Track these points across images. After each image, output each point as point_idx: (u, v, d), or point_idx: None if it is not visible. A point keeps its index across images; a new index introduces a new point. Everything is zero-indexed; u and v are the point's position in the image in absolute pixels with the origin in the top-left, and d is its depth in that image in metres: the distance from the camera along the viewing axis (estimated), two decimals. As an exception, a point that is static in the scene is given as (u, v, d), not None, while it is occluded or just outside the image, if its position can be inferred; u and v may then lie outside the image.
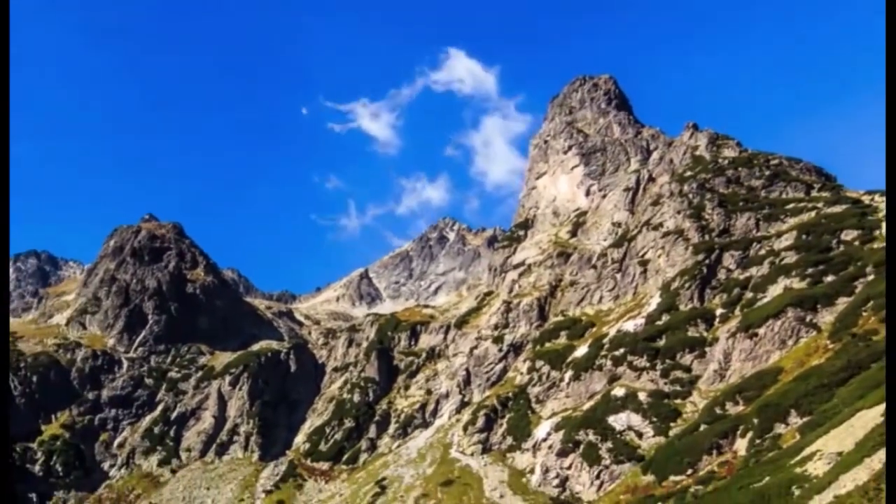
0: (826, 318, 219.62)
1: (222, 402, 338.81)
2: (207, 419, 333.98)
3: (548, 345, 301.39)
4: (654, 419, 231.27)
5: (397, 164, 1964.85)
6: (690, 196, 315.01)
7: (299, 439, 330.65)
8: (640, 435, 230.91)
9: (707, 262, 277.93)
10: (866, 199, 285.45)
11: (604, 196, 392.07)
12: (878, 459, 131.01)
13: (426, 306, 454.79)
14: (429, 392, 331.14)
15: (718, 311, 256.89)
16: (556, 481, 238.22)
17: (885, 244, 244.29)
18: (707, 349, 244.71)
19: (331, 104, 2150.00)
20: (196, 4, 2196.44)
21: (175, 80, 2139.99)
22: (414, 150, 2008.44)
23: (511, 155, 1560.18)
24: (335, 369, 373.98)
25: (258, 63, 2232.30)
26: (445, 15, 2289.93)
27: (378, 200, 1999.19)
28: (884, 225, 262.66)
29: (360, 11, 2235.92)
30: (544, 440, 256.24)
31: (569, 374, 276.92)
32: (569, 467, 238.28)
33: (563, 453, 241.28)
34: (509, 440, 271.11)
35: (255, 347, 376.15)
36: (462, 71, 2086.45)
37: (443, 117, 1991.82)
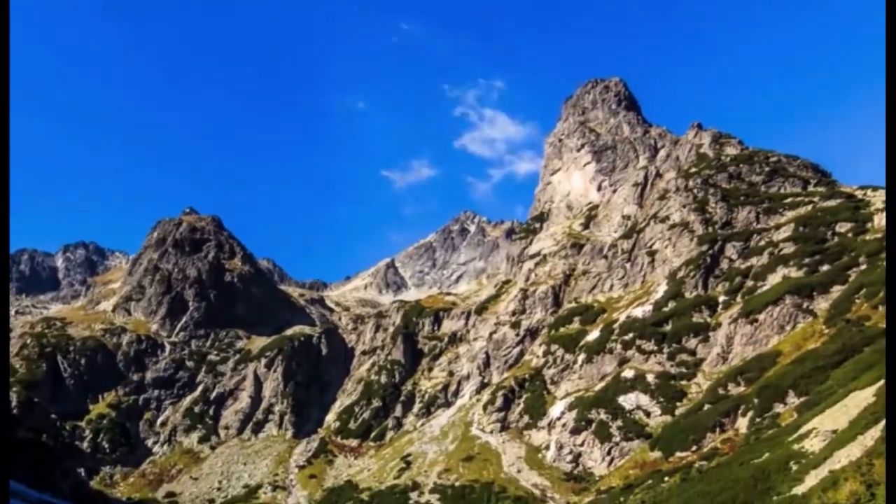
0: (821, 304, 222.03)
1: (258, 383, 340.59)
2: (244, 399, 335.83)
3: (562, 330, 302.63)
4: (661, 399, 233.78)
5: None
6: (695, 191, 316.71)
7: (330, 418, 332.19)
8: (647, 414, 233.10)
9: (710, 252, 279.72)
10: (859, 193, 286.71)
11: (614, 191, 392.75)
12: (870, 437, 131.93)
13: (448, 294, 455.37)
14: (451, 374, 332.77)
15: (721, 299, 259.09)
16: (569, 457, 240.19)
17: (877, 235, 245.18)
18: (710, 334, 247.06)
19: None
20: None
21: (215, 82, 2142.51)
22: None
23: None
24: (363, 352, 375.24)
25: (289, 62, 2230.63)
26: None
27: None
28: (875, 218, 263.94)
29: (392, 12, 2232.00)
30: (558, 419, 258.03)
31: (581, 357, 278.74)
32: (581, 444, 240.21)
33: (576, 431, 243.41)
34: (526, 419, 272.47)
35: (289, 332, 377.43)
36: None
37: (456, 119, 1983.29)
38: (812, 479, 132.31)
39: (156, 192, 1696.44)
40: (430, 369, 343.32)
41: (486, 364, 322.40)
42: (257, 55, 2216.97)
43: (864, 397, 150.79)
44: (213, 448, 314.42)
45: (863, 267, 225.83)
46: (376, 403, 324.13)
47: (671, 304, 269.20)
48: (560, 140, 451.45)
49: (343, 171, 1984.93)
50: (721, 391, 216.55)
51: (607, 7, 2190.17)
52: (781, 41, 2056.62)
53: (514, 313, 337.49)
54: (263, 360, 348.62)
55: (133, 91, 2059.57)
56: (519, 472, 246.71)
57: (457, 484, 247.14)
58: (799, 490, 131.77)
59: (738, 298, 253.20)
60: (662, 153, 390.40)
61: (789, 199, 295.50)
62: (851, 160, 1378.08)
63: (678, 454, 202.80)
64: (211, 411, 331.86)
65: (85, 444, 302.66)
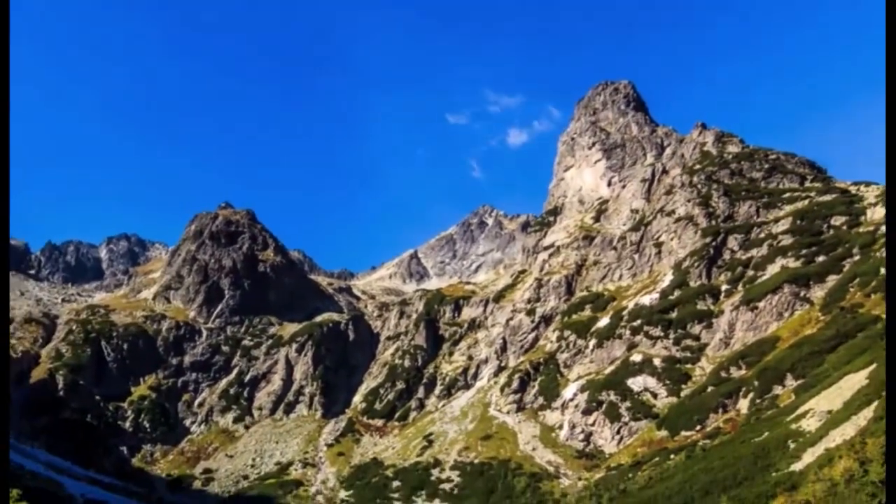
0: (818, 293, 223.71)
1: (289, 367, 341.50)
2: (276, 381, 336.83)
3: (574, 316, 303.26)
4: (668, 381, 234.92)
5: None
6: (699, 186, 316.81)
7: (357, 399, 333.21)
8: (654, 395, 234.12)
9: (713, 244, 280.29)
10: (853, 189, 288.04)
11: (623, 186, 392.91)
12: (863, 417, 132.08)
13: (468, 283, 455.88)
14: (470, 358, 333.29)
15: (723, 287, 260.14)
16: (581, 436, 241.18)
17: (870, 228, 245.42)
18: (714, 320, 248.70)
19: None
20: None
21: (249, 84, 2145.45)
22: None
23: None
24: (388, 338, 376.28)
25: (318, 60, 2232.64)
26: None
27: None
28: (868, 211, 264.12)
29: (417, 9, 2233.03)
30: (571, 400, 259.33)
31: (593, 342, 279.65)
32: (593, 424, 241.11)
33: (587, 411, 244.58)
34: (540, 400, 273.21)
35: (318, 319, 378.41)
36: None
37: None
38: (809, 457, 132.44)
39: (194, 187, 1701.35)
40: (451, 354, 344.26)
41: (503, 349, 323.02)
42: (287, 56, 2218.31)
43: (857, 380, 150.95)
44: (247, 427, 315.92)
45: (856, 258, 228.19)
46: (400, 386, 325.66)
47: (677, 293, 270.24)
48: (572, 139, 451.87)
49: (370, 165, 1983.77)
50: (723, 374, 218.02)
51: (619, 13, 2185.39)
52: (781, 44, 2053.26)
53: (529, 301, 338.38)
54: (294, 345, 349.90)
55: (174, 91, 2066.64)
56: (534, 450, 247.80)
57: (476, 461, 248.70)
58: (797, 467, 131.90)
59: (740, 287, 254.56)
60: (668, 151, 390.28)
61: (787, 194, 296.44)
62: (846, 157, 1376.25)
63: (683, 433, 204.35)
64: (245, 393, 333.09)
65: (127, 424, 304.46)
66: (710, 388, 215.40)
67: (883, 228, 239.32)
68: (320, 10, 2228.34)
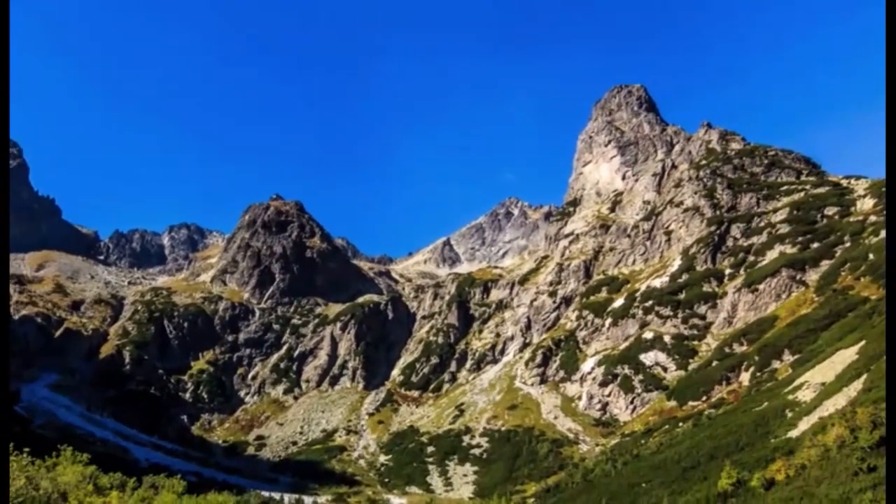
0: (812, 276, 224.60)
1: (334, 343, 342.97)
2: (322, 356, 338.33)
3: (592, 298, 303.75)
4: (676, 356, 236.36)
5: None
6: (705, 180, 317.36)
7: (395, 373, 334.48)
8: (665, 369, 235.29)
9: (718, 232, 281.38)
10: (844, 182, 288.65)
11: (636, 180, 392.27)
12: (853, 389, 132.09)
13: (495, 267, 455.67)
14: (498, 335, 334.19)
15: (727, 271, 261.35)
16: (598, 406, 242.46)
17: (860, 217, 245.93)
18: (718, 301, 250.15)
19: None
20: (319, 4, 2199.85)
21: (300, 86, 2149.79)
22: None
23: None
24: (423, 317, 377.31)
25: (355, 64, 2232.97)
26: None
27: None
28: (858, 203, 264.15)
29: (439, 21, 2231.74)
30: (589, 373, 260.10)
31: (608, 320, 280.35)
32: (609, 395, 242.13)
33: (604, 384, 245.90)
34: (561, 373, 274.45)
35: (360, 300, 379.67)
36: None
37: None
38: (804, 425, 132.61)
39: (248, 179, 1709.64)
40: (480, 331, 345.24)
41: (528, 327, 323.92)
42: (327, 57, 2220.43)
43: (848, 355, 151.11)
44: (296, 398, 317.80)
45: (847, 244, 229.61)
46: (434, 360, 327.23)
47: (684, 276, 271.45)
48: (590, 137, 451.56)
49: (409, 162, 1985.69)
50: (727, 350, 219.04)
51: (633, 23, 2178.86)
52: (780, 48, 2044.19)
53: (551, 284, 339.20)
54: (339, 324, 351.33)
55: (232, 95, 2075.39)
56: (555, 418, 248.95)
57: (503, 429, 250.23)
58: (793, 434, 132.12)
59: (742, 271, 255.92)
60: (677, 148, 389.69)
61: (785, 187, 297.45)
62: (838, 153, 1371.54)
63: (691, 403, 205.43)
64: (294, 367, 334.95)
65: (187, 395, 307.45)
66: (714, 363, 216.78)
67: (872, 218, 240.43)
68: (361, 25, 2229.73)
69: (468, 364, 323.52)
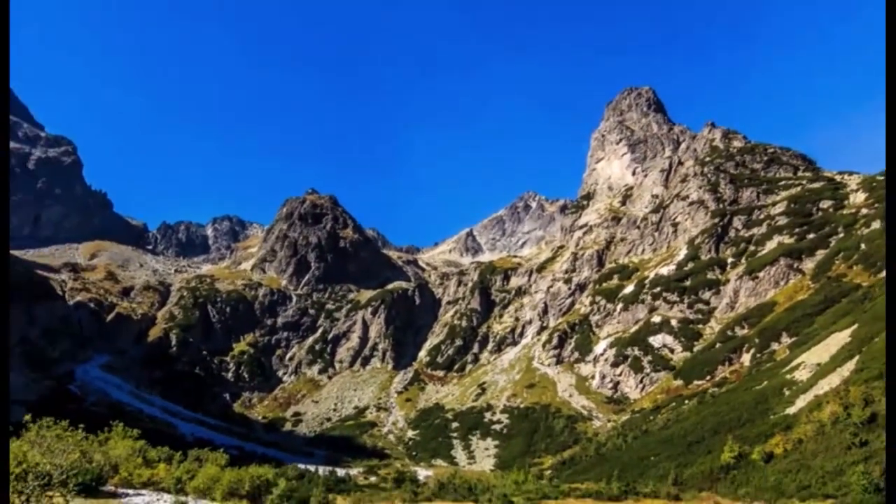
0: (808, 265, 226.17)
1: (365, 327, 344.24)
2: (354, 339, 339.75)
3: (604, 284, 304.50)
4: (683, 339, 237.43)
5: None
6: (709, 175, 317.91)
7: (422, 354, 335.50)
8: (672, 350, 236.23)
9: (721, 223, 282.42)
10: (838, 177, 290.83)
11: (645, 175, 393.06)
12: (847, 369, 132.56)
13: (515, 256, 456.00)
14: (517, 319, 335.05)
15: (729, 260, 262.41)
16: (610, 385, 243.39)
17: (852, 210, 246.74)
18: (721, 288, 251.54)
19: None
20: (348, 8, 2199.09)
21: (332, 85, 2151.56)
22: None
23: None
24: (448, 302, 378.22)
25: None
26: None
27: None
28: (851, 196, 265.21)
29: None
30: (602, 354, 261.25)
31: (620, 306, 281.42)
32: (620, 374, 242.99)
33: (615, 364, 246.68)
34: (576, 354, 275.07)
35: (390, 287, 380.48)
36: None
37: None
38: (801, 402, 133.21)
39: (286, 174, 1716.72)
40: (501, 316, 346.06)
41: (545, 311, 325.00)
42: (361, 62, 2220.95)
43: (842, 338, 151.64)
44: (330, 377, 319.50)
45: (841, 235, 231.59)
46: (458, 343, 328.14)
47: (690, 265, 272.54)
48: (603, 136, 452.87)
49: (435, 156, 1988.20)
50: (729, 333, 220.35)
51: (642, 31, 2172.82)
52: (779, 52, 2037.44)
53: (566, 272, 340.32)
54: (370, 309, 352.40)
55: (271, 97, 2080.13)
56: (570, 396, 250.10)
57: (521, 406, 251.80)
58: (791, 411, 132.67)
59: (743, 260, 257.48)
60: (683, 146, 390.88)
61: (783, 182, 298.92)
62: (833, 149, 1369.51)
63: (696, 382, 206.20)
64: (328, 349, 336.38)
65: (229, 375, 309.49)
66: (718, 345, 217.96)
67: (864, 210, 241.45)
68: (391, 32, 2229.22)
69: (489, 346, 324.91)
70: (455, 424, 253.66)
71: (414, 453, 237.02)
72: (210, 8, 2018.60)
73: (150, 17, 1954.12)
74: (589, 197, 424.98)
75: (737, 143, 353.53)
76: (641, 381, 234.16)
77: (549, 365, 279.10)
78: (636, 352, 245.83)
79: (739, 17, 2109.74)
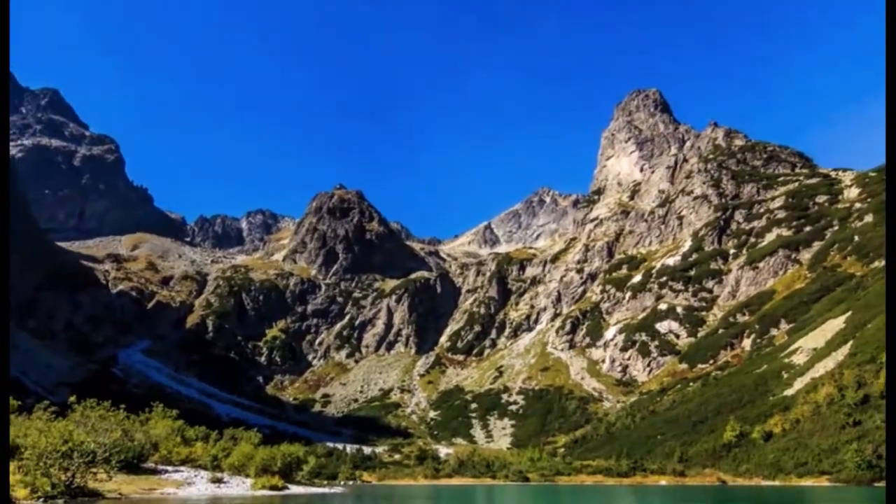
0: (805, 255, 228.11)
1: (390, 314, 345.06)
2: (380, 325, 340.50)
3: (614, 274, 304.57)
4: (687, 325, 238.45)
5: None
6: (712, 172, 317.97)
7: (443, 339, 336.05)
8: (677, 336, 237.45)
9: (723, 217, 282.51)
10: (833, 174, 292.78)
11: (652, 172, 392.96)
12: (841, 353, 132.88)
13: (530, 248, 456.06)
14: (532, 307, 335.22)
15: (731, 251, 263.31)
16: (619, 368, 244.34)
17: (846, 205, 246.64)
18: (723, 277, 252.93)
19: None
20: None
21: (357, 85, 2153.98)
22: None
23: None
24: (468, 291, 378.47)
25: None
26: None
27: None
28: (845, 192, 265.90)
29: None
30: (611, 340, 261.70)
31: (628, 294, 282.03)
32: (628, 358, 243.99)
33: (624, 349, 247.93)
34: (587, 340, 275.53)
35: (413, 276, 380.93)
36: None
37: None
38: (798, 384, 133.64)
39: (314, 171, 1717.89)
40: (517, 303, 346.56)
41: (558, 299, 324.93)
42: (387, 63, 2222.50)
43: (836, 324, 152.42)
44: (356, 361, 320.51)
45: (835, 228, 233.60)
46: (477, 328, 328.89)
47: (694, 255, 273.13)
48: (612, 134, 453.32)
49: (453, 152, 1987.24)
50: (731, 319, 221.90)
51: (650, 36, 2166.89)
52: (778, 57, 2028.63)
53: (578, 262, 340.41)
54: (394, 297, 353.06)
55: (297, 95, 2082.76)
56: (582, 379, 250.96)
57: (536, 388, 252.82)
58: (789, 392, 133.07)
59: (744, 251, 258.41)
60: (688, 144, 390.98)
61: (781, 178, 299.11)
62: (828, 147, 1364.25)
63: (699, 366, 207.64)
64: (355, 334, 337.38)
65: (262, 359, 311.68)
66: (720, 331, 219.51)
67: (857, 205, 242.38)
68: (413, 32, 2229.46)
69: (506, 332, 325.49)
70: (474, 405, 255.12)
71: (435, 432, 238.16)
72: (244, 11, 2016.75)
73: (190, 22, 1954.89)
74: (599, 192, 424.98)
75: (738, 142, 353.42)
76: (649, 365, 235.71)
77: (562, 349, 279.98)
78: (644, 337, 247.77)
79: (740, 19, 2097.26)
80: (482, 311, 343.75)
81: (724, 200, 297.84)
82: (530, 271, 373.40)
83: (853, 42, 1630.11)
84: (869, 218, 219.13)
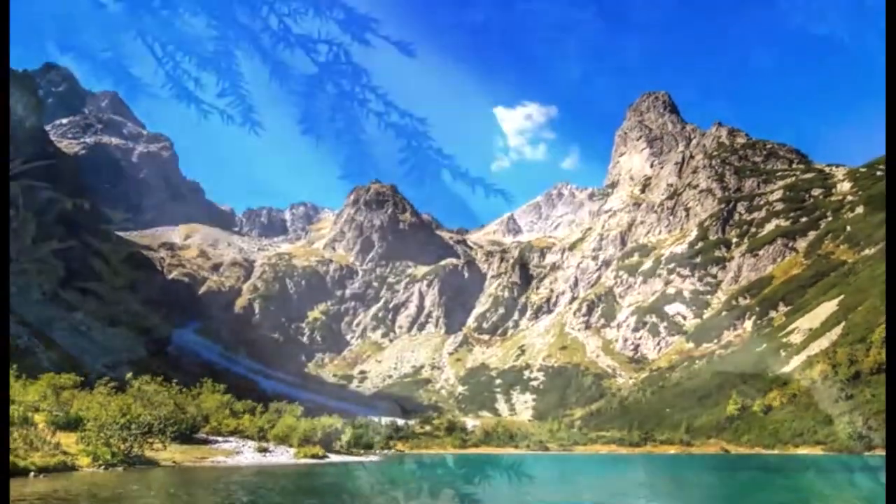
0: (801, 244, 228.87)
1: (421, 297, 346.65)
2: (412, 308, 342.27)
3: (626, 261, 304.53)
4: (694, 307, 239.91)
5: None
6: (716, 167, 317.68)
7: (470, 320, 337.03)
8: (684, 317, 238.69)
9: (727, 209, 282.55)
10: (827, 169, 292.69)
11: (661, 167, 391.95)
12: (834, 333, 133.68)
13: (550, 237, 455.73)
14: (552, 290, 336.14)
15: (734, 240, 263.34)
16: (631, 347, 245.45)
17: (839, 197, 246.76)
18: (727, 264, 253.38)
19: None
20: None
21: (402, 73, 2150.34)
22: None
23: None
24: (493, 276, 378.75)
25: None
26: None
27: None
28: (838, 185, 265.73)
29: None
30: (624, 321, 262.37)
31: (640, 279, 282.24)
32: (640, 338, 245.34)
33: (636, 329, 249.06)
34: (602, 321, 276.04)
35: (442, 263, 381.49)
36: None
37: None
38: (795, 362, 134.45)
39: (353, 166, 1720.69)
40: (538, 288, 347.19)
41: (576, 284, 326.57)
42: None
43: (830, 307, 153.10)
44: (391, 341, 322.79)
45: (829, 219, 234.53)
46: (501, 311, 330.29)
47: (700, 244, 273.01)
48: (625, 133, 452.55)
49: (477, 151, 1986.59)
50: (734, 302, 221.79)
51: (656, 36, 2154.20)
52: (779, 53, 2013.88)
53: (594, 250, 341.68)
54: (425, 282, 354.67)
55: (333, 96, 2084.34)
56: (597, 357, 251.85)
57: (555, 365, 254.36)
58: (786, 369, 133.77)
59: (745, 240, 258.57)
60: (694, 142, 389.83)
61: (780, 173, 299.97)
62: (824, 145, 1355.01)
63: (705, 345, 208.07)
64: (389, 316, 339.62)
65: (304, 339, 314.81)
66: (724, 313, 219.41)
67: (849, 197, 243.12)
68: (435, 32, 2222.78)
69: (528, 314, 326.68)
70: (498, 381, 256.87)
71: (463, 406, 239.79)
72: (274, 18, 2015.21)
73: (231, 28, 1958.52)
74: (613, 186, 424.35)
75: (740, 140, 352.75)
76: (658, 344, 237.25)
77: (579, 330, 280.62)
78: (654, 318, 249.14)
79: (741, 22, 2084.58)
80: (506, 294, 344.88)
81: (727, 193, 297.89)
82: (550, 258, 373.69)
83: (843, 41, 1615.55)
84: (860, 209, 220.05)
